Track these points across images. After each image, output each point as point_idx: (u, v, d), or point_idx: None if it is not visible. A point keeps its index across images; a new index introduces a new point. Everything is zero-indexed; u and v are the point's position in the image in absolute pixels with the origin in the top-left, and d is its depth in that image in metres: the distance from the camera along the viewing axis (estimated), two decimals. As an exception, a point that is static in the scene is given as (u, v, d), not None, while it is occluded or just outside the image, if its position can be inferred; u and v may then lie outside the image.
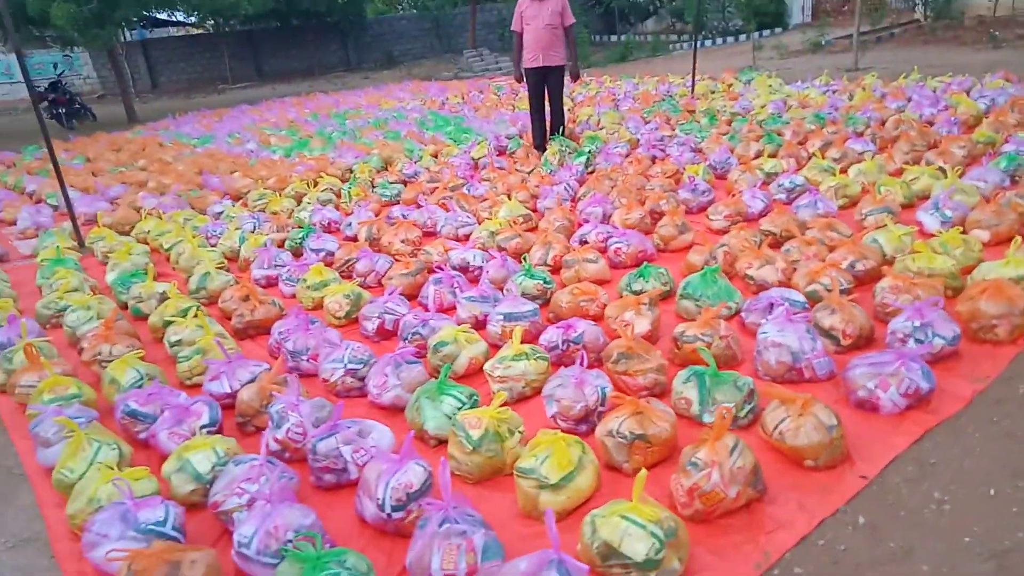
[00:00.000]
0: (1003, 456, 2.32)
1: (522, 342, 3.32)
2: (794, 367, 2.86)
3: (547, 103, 7.64)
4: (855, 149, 6.02)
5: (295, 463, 2.62)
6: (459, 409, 2.74)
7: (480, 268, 4.36)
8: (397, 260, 4.45)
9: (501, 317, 3.50)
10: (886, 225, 3.99)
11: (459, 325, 3.42)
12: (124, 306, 4.45)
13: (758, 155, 6.42)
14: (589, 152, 7.05)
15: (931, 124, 6.70)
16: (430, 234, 5.34)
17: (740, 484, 2.14)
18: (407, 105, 12.93)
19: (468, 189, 6.17)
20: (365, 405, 3.08)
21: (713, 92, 10.43)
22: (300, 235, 5.27)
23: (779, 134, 6.93)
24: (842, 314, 3.08)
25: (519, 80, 7.76)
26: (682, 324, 3.19)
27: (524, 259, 4.16)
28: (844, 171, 5.45)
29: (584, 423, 2.69)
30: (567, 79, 7.73)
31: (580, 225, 5.01)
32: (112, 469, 2.40)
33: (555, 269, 4.35)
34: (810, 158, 6.08)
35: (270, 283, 4.69)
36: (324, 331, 3.50)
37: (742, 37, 21.42)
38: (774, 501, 2.21)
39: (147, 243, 5.76)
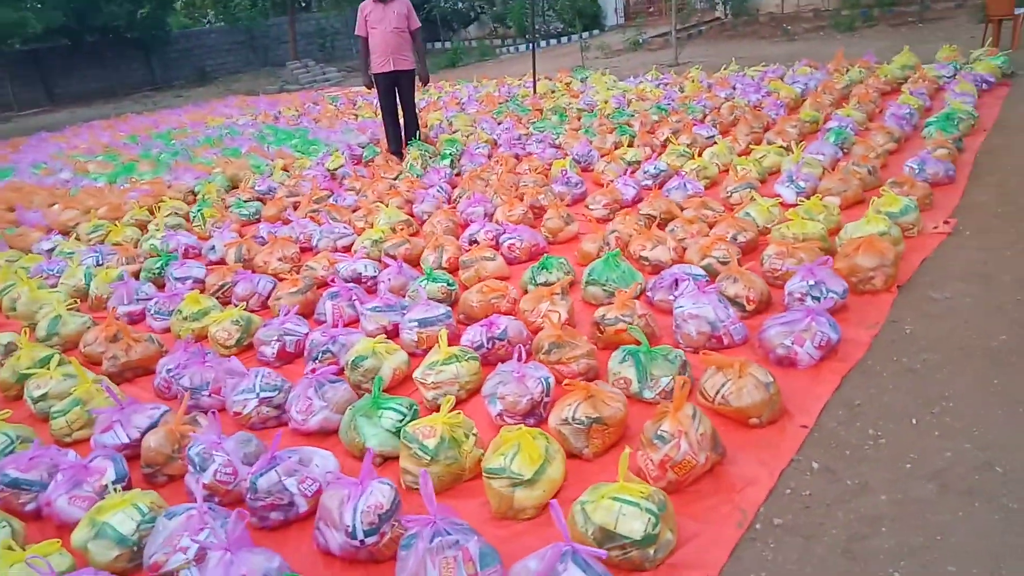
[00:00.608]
0: (912, 389, 2.57)
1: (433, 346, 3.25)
2: (713, 335, 3.00)
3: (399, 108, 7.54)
4: (701, 134, 6.45)
5: (227, 507, 2.36)
6: (401, 422, 2.61)
7: (373, 278, 4.19)
8: (281, 279, 4.16)
9: (415, 323, 3.38)
10: (754, 199, 4.31)
11: (371, 337, 3.26)
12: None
13: (616, 146, 6.70)
14: (451, 154, 7.02)
15: (759, 108, 7.33)
16: (306, 249, 5.05)
17: (706, 450, 2.20)
18: (238, 121, 12.20)
19: (335, 200, 5.92)
20: (287, 434, 2.85)
21: (553, 91, 10.75)
22: (158, 264, 4.79)
23: (629, 125, 7.27)
24: (743, 281, 3.28)
25: (369, 87, 7.59)
26: (601, 308, 3.24)
27: (423, 263, 4.05)
28: (699, 154, 5.83)
29: (531, 416, 2.66)
30: (417, 83, 7.66)
31: (464, 226, 4.97)
32: (13, 549, 2.03)
33: (450, 271, 4.28)
34: (664, 146, 6.46)
35: (134, 320, 4.22)
36: (223, 362, 3.19)
37: (564, 39, 22.30)
38: (734, 461, 2.30)
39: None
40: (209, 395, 3.08)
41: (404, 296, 3.90)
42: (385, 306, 3.63)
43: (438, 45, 27.21)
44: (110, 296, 4.46)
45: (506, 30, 26.92)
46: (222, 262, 4.94)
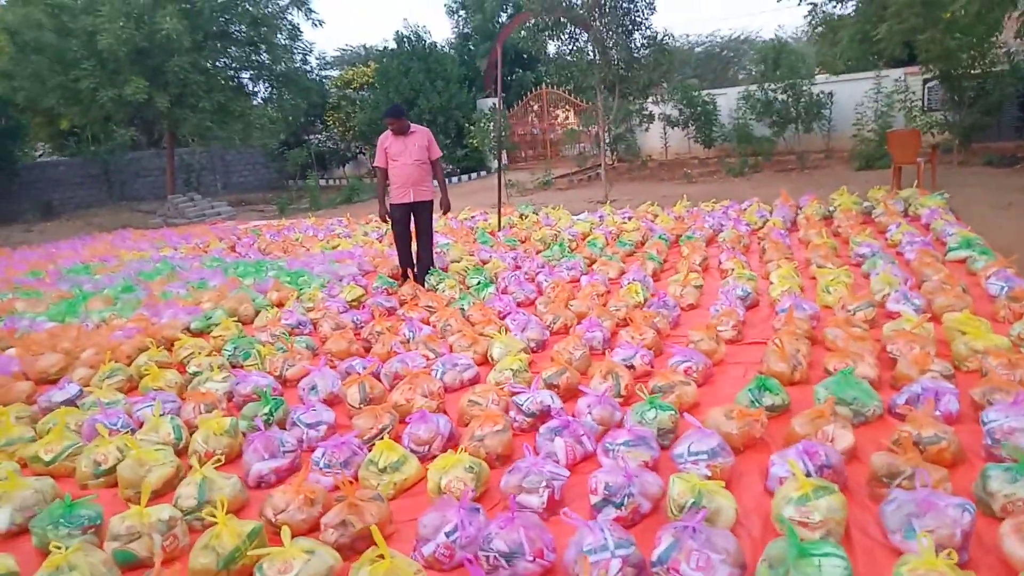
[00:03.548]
0: None
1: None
2: (1044, 447, 2.94)
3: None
4: (742, 260, 6.69)
5: None
6: (845, 570, 2.23)
7: (560, 410, 3.75)
8: (473, 418, 3.61)
9: (705, 456, 3.02)
10: (907, 317, 4.45)
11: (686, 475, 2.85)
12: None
13: (655, 272, 6.79)
14: (483, 283, 6.77)
15: (763, 237, 7.78)
16: (423, 385, 4.47)
17: None
18: (166, 253, 11.08)
19: (410, 331, 5.37)
20: (659, 599, 2.34)
21: (514, 225, 10.86)
22: (265, 410, 4.00)
23: (640, 249, 7.41)
24: (1012, 391, 3.29)
25: (384, 219, 7.30)
26: (907, 426, 3.08)
27: (641, 390, 3.70)
28: (765, 278, 6.01)
29: (963, 551, 2.39)
30: (436, 213, 7.46)
31: (593, 352, 4.69)
32: None
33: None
34: (705, 270, 6.67)
35: (280, 477, 3.44)
36: (529, 516, 2.63)
37: (455, 179, 22.98)
38: None
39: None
40: (532, 560, 2.49)
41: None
42: (638, 439, 3.22)
43: (323, 182, 26.97)
44: (227, 451, 3.64)
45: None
46: (331, 401, 4.25)
